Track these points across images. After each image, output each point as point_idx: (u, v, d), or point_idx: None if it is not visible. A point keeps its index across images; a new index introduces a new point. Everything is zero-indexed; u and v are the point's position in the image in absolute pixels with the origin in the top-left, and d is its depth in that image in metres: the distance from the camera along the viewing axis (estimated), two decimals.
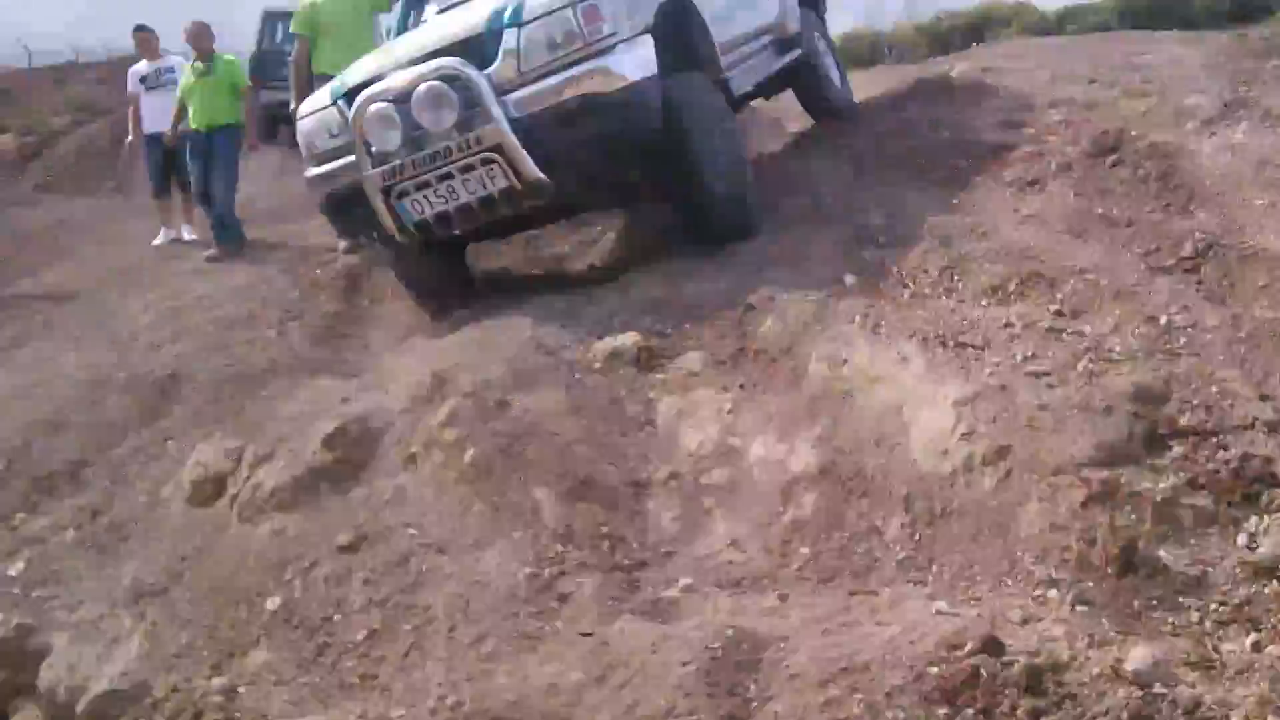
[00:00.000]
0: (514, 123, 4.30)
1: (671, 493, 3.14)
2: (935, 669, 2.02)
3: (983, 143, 5.68)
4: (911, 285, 4.01)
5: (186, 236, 9.03)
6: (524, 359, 3.92)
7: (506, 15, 4.45)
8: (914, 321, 3.44)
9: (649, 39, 4.56)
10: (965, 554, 2.56)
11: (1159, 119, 5.25)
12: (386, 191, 4.55)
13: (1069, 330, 3.16)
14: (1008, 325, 3.24)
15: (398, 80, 4.52)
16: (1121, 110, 5.83)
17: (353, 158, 4.67)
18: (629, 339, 4.06)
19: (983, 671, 1.98)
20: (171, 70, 8.98)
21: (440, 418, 3.48)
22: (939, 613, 2.27)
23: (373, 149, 4.57)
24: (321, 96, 5.05)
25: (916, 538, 2.64)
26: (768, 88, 7.12)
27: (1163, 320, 3.15)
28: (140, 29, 9.20)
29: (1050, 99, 6.37)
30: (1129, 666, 1.91)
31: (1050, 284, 3.54)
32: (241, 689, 2.77)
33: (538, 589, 2.69)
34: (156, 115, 8.51)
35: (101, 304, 7.24)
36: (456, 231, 4.75)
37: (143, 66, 8.89)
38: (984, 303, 3.60)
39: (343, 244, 6.82)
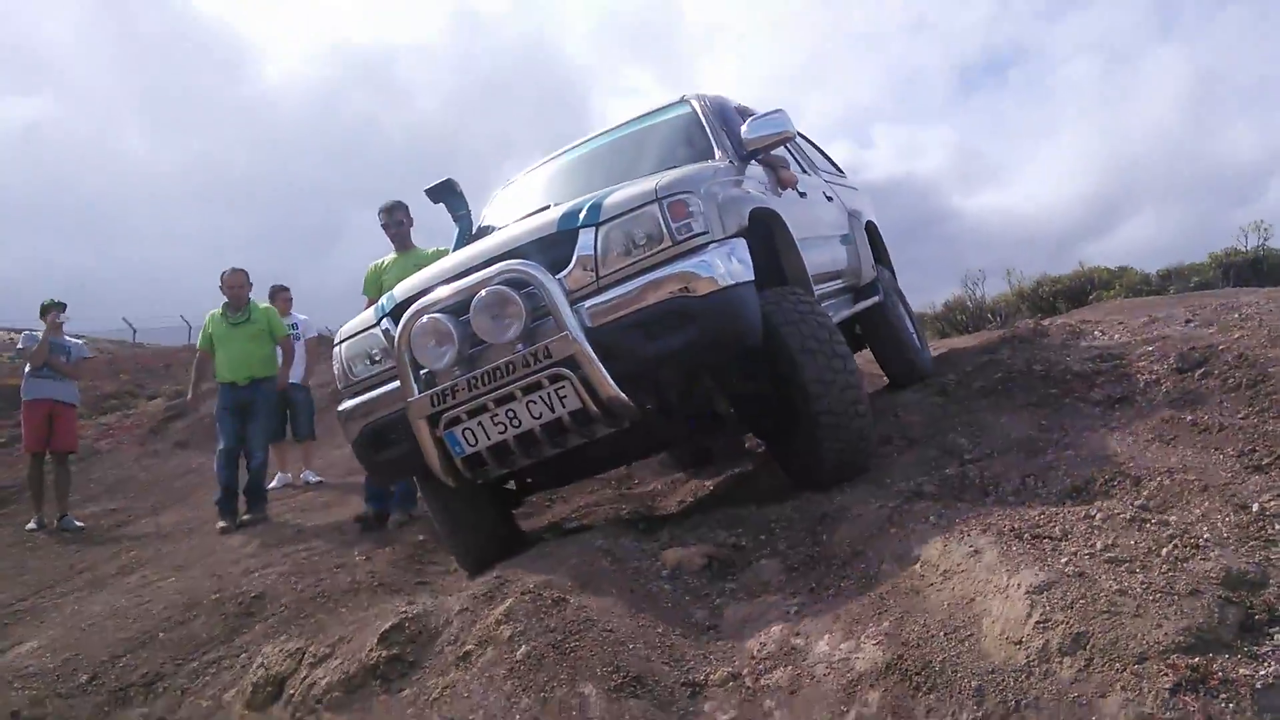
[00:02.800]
0: (589, 333, 3.73)
1: (729, 693, 2.93)
2: None
3: (1072, 371, 5.60)
4: (992, 492, 3.88)
5: (310, 479, 9.42)
6: (589, 564, 3.87)
7: (583, 214, 3.94)
8: (990, 518, 3.28)
9: (743, 243, 4.00)
10: None
11: (1252, 340, 5.11)
12: (434, 420, 3.90)
13: (1154, 520, 2.95)
14: (1088, 518, 3.05)
15: (455, 288, 3.95)
16: (1218, 339, 5.71)
17: (395, 384, 4.07)
18: (699, 549, 3.99)
19: None
20: (296, 326, 9.75)
21: (496, 615, 3.40)
22: None
23: (421, 370, 3.99)
24: (366, 316, 4.45)
25: None
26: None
27: (1254, 507, 2.92)
28: (280, 289, 10.11)
29: (1144, 337, 6.30)
30: None
31: (1135, 481, 3.37)
32: None
33: None
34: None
35: (210, 540, 7.52)
36: (515, 468, 4.08)
37: None
38: (1066, 502, 3.42)
39: (366, 509, 6.70)
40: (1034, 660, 2.49)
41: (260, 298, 8.85)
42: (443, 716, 3.01)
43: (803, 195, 5.83)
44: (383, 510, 6.64)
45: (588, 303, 3.84)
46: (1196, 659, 2.28)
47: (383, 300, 4.42)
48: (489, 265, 3.99)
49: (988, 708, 2.45)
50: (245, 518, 7.38)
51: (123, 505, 10.57)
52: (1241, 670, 2.23)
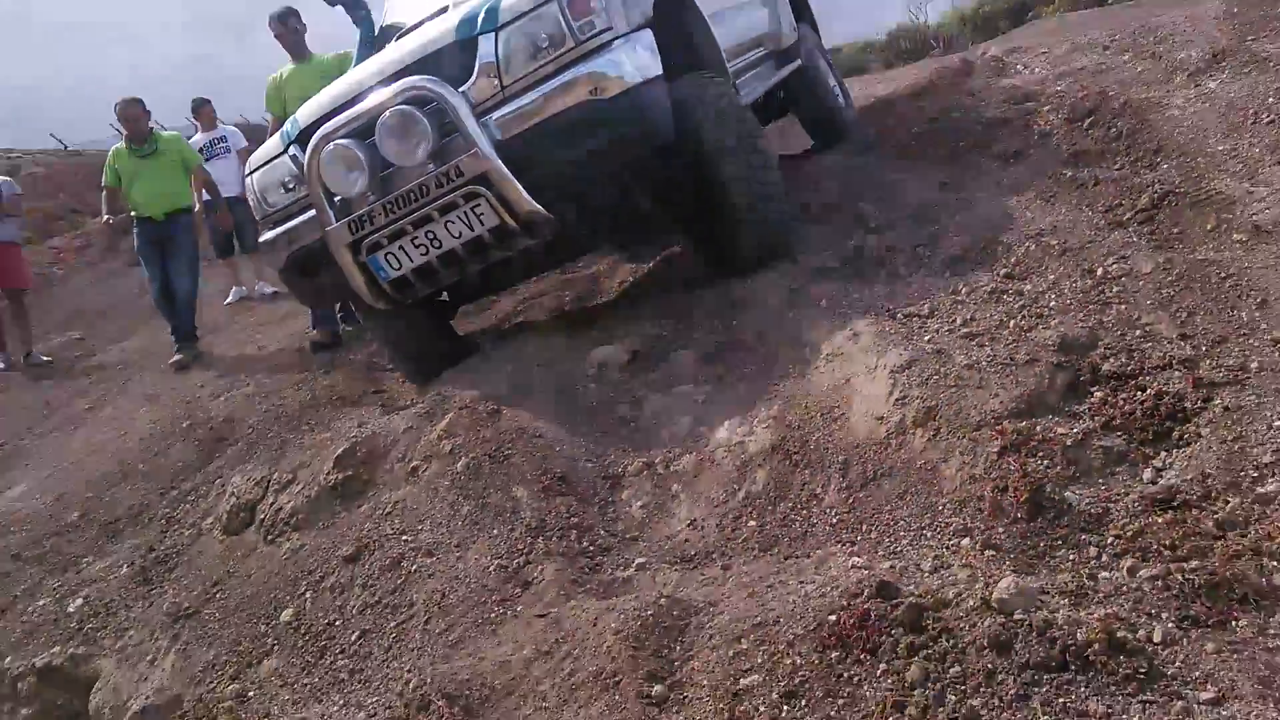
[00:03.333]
0: (499, 147, 3.66)
1: (643, 481, 3.32)
2: (833, 617, 2.16)
3: (982, 121, 5.73)
4: (887, 264, 4.13)
5: (265, 290, 9.57)
6: (522, 373, 4.16)
7: (481, 19, 3.76)
8: (873, 298, 3.56)
9: (649, 35, 3.86)
10: (893, 512, 2.67)
11: (1151, 77, 5.23)
12: (355, 246, 3.88)
13: (1011, 291, 3.24)
14: (954, 293, 3.34)
15: (356, 111, 3.83)
16: (1123, 74, 5.81)
17: (313, 212, 4.01)
18: (625, 345, 4.26)
19: (872, 614, 2.10)
20: (224, 140, 9.57)
21: (438, 431, 3.74)
22: (854, 568, 2.40)
23: (336, 198, 3.93)
24: (273, 144, 4.33)
25: (850, 501, 2.76)
26: (767, 110, 6.79)
27: (1099, 271, 3.21)
28: (203, 102, 9.82)
29: (1060, 71, 6.36)
30: (995, 596, 2.02)
31: (1007, 248, 3.63)
32: (251, 693, 3.05)
33: (504, 579, 2.90)
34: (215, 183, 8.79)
35: None
36: (443, 286, 4.14)
37: (199, 138, 9.49)
38: (945, 273, 3.70)
39: (313, 332, 6.70)
40: (892, 434, 2.84)
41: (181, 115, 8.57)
42: (394, 529, 3.39)
43: None
44: (332, 330, 6.82)
45: (495, 114, 3.74)
46: (1023, 423, 2.63)
47: (287, 126, 4.31)
48: (390, 83, 3.86)
49: (850, 478, 2.83)
50: (176, 358, 7.36)
51: (86, 335, 10.76)
52: (1059, 430, 2.59)
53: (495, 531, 3.15)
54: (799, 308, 3.82)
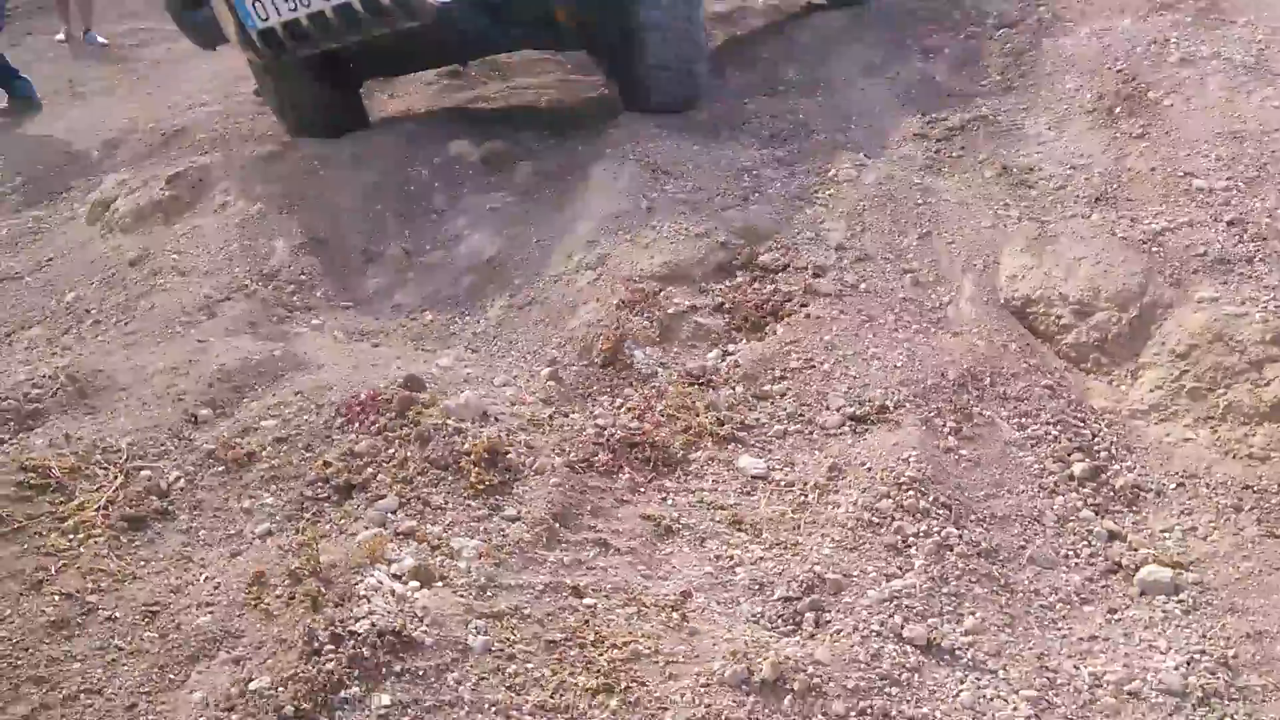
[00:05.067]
0: None
1: (392, 264, 3.57)
2: (364, 391, 2.42)
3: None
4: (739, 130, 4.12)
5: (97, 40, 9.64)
6: (378, 144, 4.35)
7: None
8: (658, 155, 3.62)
9: None
10: (532, 336, 2.88)
11: None
12: None
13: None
14: (716, 163, 3.41)
15: None
16: None
17: None
18: (488, 146, 4.39)
19: (382, 396, 2.36)
20: None
21: (259, 174, 4.02)
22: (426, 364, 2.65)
23: None
24: None
25: (502, 318, 2.99)
26: None
27: (831, 172, 3.24)
28: None
29: None
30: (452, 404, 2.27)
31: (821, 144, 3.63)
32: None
33: (203, 307, 3.22)
34: None
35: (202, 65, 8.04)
36: (315, 50, 3.93)
37: None
38: (768, 146, 3.72)
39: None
40: (568, 271, 3.02)
41: None
42: (174, 247, 3.74)
43: None
44: None
45: None
46: (654, 285, 2.79)
47: None
48: None
49: (517, 300, 3.03)
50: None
51: (153, 26, 11.18)
52: (675, 299, 2.74)
53: (236, 269, 3.47)
54: (617, 154, 3.85)
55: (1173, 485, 2.23)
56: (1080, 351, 2.47)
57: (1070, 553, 2.08)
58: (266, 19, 3.75)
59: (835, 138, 3.61)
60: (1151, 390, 2.30)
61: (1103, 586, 2.00)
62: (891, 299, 2.65)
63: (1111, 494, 2.20)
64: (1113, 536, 2.11)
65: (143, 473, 2.22)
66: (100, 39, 9.99)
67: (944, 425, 2.20)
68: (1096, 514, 2.15)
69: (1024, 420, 2.23)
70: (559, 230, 3.29)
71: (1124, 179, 2.88)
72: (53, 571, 1.96)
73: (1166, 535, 2.12)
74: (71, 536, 2.04)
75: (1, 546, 2.00)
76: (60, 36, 9.96)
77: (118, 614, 1.89)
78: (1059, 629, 1.91)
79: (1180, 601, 1.96)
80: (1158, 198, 2.74)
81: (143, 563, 2.03)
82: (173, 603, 1.91)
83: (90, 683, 1.76)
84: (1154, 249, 2.54)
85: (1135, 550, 2.07)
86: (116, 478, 2.20)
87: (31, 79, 7.90)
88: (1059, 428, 2.22)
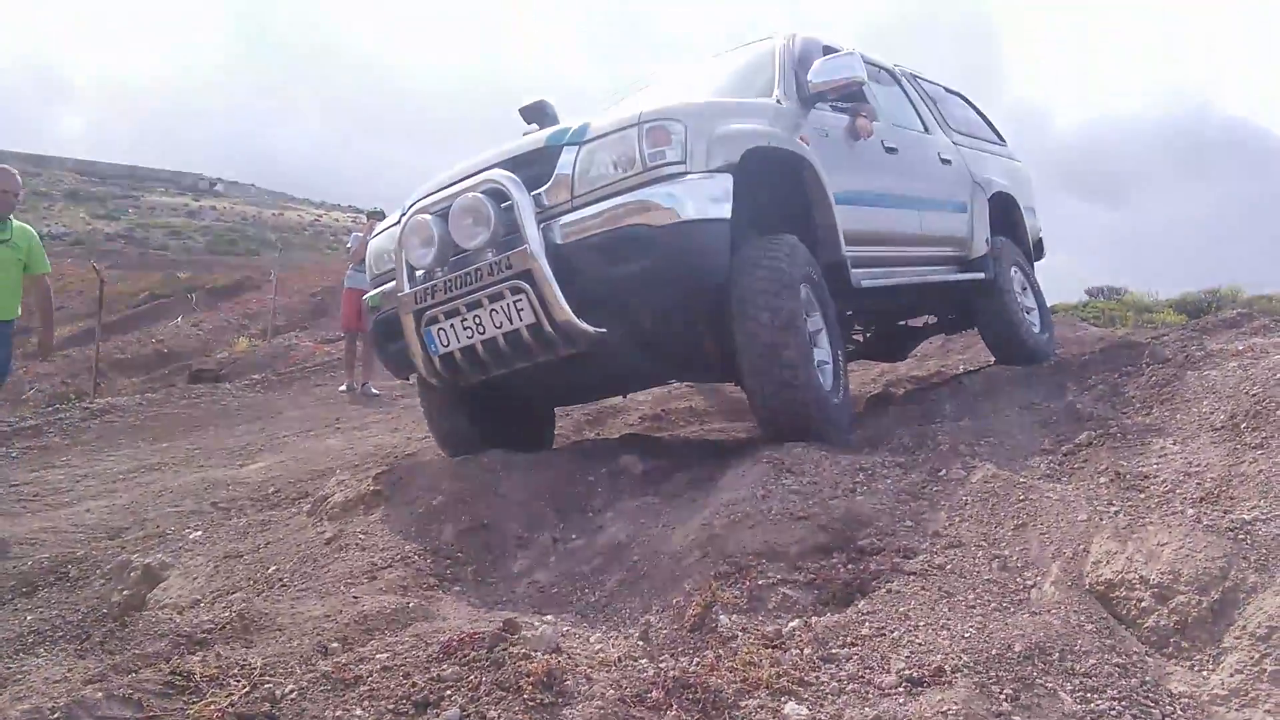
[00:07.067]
0: (555, 249, 3.84)
1: (536, 548, 3.91)
2: (460, 635, 2.69)
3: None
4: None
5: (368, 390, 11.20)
6: (547, 453, 4.90)
7: (570, 132, 4.05)
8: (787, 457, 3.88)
9: (728, 180, 3.95)
10: (636, 605, 3.07)
11: None
12: (418, 316, 4.15)
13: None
14: (836, 464, 3.63)
15: (445, 193, 4.15)
16: None
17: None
18: (652, 463, 4.83)
19: (484, 636, 2.62)
20: None
21: (446, 479, 4.59)
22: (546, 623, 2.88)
23: (417, 271, 4.22)
24: (394, 215, 4.65)
25: (615, 588, 3.20)
26: (949, 318, 6.95)
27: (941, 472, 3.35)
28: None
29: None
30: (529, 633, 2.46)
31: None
32: None
33: (367, 573, 3.65)
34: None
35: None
36: (489, 374, 4.25)
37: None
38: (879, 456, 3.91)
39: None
40: (677, 553, 3.24)
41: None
42: (369, 530, 4.27)
43: (891, 150, 5.64)
44: None
45: (562, 219, 3.95)
46: (751, 559, 2.94)
47: (407, 200, 4.57)
48: (482, 174, 4.16)
49: (629, 575, 3.25)
50: None
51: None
52: (768, 572, 2.87)
53: (408, 547, 3.92)
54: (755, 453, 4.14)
55: None
56: (1161, 635, 2.36)
57: None
58: (447, 345, 4.20)
59: (959, 449, 3.76)
60: (1231, 675, 2.16)
61: None
62: (975, 579, 2.68)
63: None
64: None
65: (266, 685, 2.53)
66: (374, 390, 11.72)
67: (1000, 691, 2.16)
68: None
69: (1088, 695, 2.15)
70: (684, 518, 3.56)
71: (1234, 482, 2.84)
72: None
73: None
74: None
75: None
76: (343, 388, 11.79)
77: None
78: None
79: None
80: (1257, 494, 2.69)
81: None
82: None
83: None
84: (1241, 536, 2.47)
85: None
86: (245, 687, 2.53)
87: (302, 414, 9.47)
88: (1125, 704, 2.12)
